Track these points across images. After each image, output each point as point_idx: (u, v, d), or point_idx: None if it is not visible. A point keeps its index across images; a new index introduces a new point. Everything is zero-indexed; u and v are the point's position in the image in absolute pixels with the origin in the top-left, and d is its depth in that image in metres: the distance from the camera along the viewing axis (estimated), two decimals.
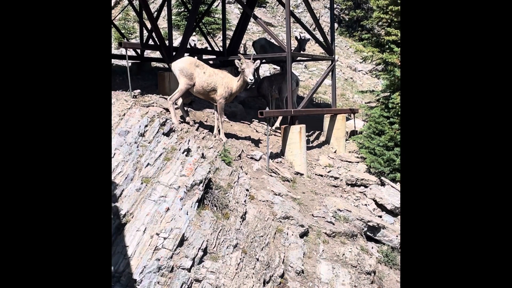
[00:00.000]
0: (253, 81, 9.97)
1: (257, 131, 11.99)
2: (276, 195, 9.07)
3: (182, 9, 23.05)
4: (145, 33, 14.75)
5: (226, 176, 8.67)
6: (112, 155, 7.92)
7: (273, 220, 8.33)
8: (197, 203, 7.43)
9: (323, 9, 30.87)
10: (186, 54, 13.40)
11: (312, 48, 23.98)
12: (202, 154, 8.66)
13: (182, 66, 10.11)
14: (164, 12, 17.49)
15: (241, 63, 10.01)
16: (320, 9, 30.62)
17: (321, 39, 12.86)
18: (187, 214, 7.15)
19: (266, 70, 18.96)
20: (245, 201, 8.27)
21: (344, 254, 8.34)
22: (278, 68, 19.11)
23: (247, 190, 8.67)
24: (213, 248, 7.07)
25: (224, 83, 10.31)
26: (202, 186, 7.70)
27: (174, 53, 12.07)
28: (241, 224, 7.77)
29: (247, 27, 14.69)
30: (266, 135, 11.72)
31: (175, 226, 6.90)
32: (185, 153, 8.35)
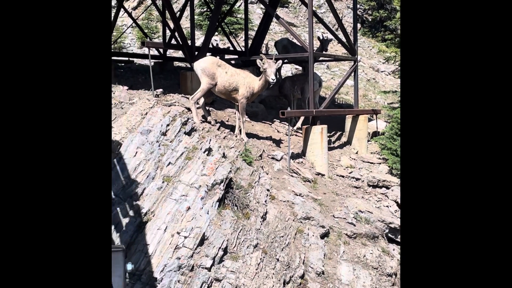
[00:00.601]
0: (274, 81, 9.95)
1: (278, 131, 11.96)
2: (297, 195, 9.04)
3: (205, 9, 23.10)
4: (168, 32, 14.83)
5: (247, 176, 8.66)
6: (134, 154, 7.97)
7: (293, 220, 8.30)
8: (217, 203, 7.44)
9: (346, 9, 30.70)
10: (208, 54, 13.44)
11: (335, 48, 23.87)
12: (223, 153, 8.66)
13: (204, 65, 10.13)
14: (187, 12, 17.57)
15: (263, 63, 10.00)
16: (343, 10, 30.46)
17: (343, 39, 12.78)
18: (207, 214, 7.17)
19: (288, 70, 18.91)
20: (265, 201, 8.26)
21: (365, 256, 8.29)
22: (300, 68, 19.08)
23: (268, 190, 8.66)
24: (234, 247, 7.07)
25: (246, 83, 10.30)
26: (223, 186, 7.70)
27: (196, 53, 12.10)
28: (261, 224, 7.76)
29: (269, 27, 14.69)
30: (287, 135, 11.69)
31: (195, 225, 6.92)
32: (206, 152, 8.37)
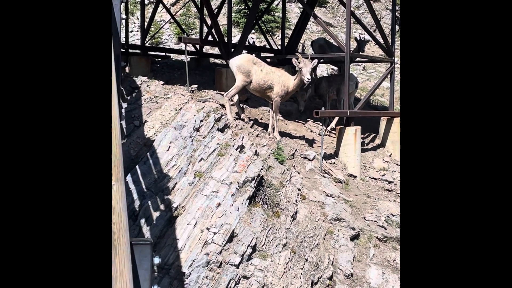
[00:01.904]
0: (309, 80, 9.90)
1: (311, 131, 11.90)
2: (328, 196, 8.98)
3: (243, 7, 23.15)
4: (205, 29, 14.90)
5: (279, 175, 8.64)
6: (167, 149, 8.03)
7: (323, 221, 8.25)
8: (248, 200, 7.44)
9: (384, 10, 30.38)
10: (244, 52, 13.46)
11: (371, 50, 23.65)
12: (256, 151, 8.66)
13: (240, 63, 10.13)
14: (224, 9, 17.61)
15: (299, 62, 9.96)
16: (382, 11, 30.15)
17: (381, 40, 12.64)
18: (237, 211, 7.17)
19: (324, 70, 18.80)
20: (296, 200, 8.23)
21: (395, 260, 8.18)
22: (336, 68, 18.94)
23: (299, 189, 8.62)
24: (262, 246, 7.06)
25: (281, 81, 10.27)
26: (254, 183, 7.69)
27: (232, 50, 12.12)
28: (291, 223, 7.73)
29: (306, 26, 14.62)
30: (320, 135, 11.62)
31: (225, 222, 6.93)
32: (239, 149, 8.37)
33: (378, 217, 9.06)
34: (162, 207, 7.15)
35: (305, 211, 8.15)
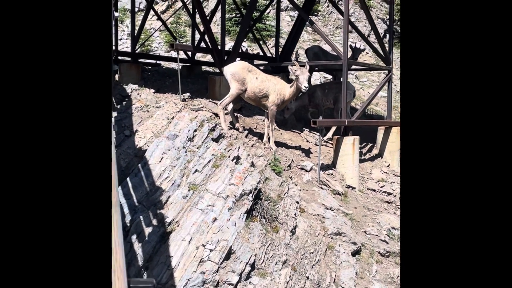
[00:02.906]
0: (307, 88, 9.55)
1: (307, 141, 11.54)
2: (328, 209, 8.60)
3: (233, 15, 22.81)
4: (197, 36, 14.53)
5: (276, 187, 8.26)
6: (159, 160, 7.63)
7: (324, 235, 7.87)
8: (245, 214, 7.04)
9: (376, 19, 30.19)
10: (237, 59, 13.11)
11: (363, 58, 23.36)
12: (252, 162, 8.28)
13: (234, 70, 9.76)
14: (215, 18, 17.26)
15: (295, 70, 9.61)
16: (374, 19, 29.98)
17: (378, 48, 12.33)
18: (235, 226, 6.77)
19: (317, 78, 18.47)
20: (295, 214, 7.84)
21: (398, 276, 7.80)
22: (329, 77, 18.60)
23: (297, 202, 8.24)
24: (261, 263, 6.66)
25: (276, 89, 9.92)
26: (252, 197, 7.30)
27: (225, 57, 11.76)
28: (290, 238, 7.34)
29: (301, 33, 14.28)
30: (317, 145, 11.27)
31: (222, 238, 6.53)
32: (235, 160, 7.98)
33: (379, 230, 8.70)
34: (154, 222, 6.74)
35: (304, 225, 7.77)
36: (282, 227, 7.38)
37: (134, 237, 6.52)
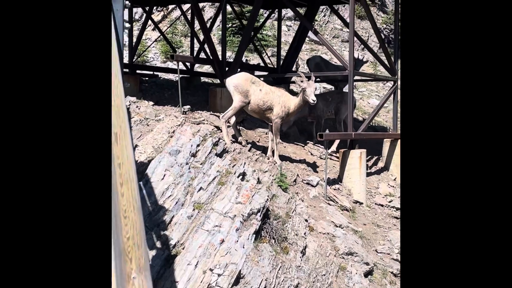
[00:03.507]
0: (315, 102, 9.19)
1: (312, 154, 11.18)
2: (337, 227, 8.23)
3: (229, 25, 22.49)
4: (196, 46, 14.18)
5: (284, 204, 7.88)
6: (162, 177, 7.24)
7: (335, 256, 7.49)
8: (254, 235, 6.66)
9: (371, 29, 29.97)
10: (238, 70, 12.78)
11: (361, 68, 23.08)
12: (258, 178, 7.91)
13: (237, 82, 9.39)
14: (212, 28, 16.93)
15: (301, 82, 9.26)
16: (369, 29, 29.72)
17: (384, 59, 12.02)
18: (243, 248, 6.38)
19: (318, 88, 18.14)
20: (305, 233, 7.46)
21: None
22: (329, 87, 18.26)
23: (306, 220, 7.87)
24: None
25: (281, 102, 9.57)
26: (260, 216, 6.92)
27: (227, 68, 11.41)
28: (301, 259, 6.95)
29: (303, 43, 13.95)
30: (322, 159, 10.91)
31: (230, 261, 6.13)
32: (240, 177, 7.61)
33: (390, 249, 8.33)
34: (158, 244, 6.34)
35: (314, 245, 7.38)
36: (292, 248, 7.00)
37: None
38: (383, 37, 27.43)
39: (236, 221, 6.63)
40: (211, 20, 14.79)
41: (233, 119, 9.69)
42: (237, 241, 6.40)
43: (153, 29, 22.99)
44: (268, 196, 7.38)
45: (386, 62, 11.81)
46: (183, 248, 6.29)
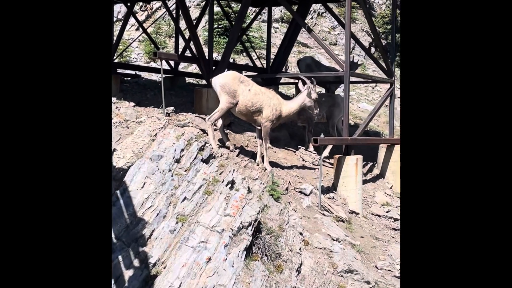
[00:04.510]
0: (318, 115, 8.62)
1: (304, 160, 10.47)
2: (334, 240, 7.53)
3: (216, 26, 21.73)
4: (181, 44, 13.44)
5: (276, 216, 7.17)
6: (142, 185, 6.50)
7: (333, 273, 6.78)
8: (244, 252, 5.92)
9: (360, 31, 29.47)
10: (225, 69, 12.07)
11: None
12: (248, 187, 7.19)
13: (224, 81, 8.64)
14: (199, 27, 16.19)
15: (306, 88, 8.67)
16: (357, 32, 29.20)
17: (380, 60, 11.37)
18: (233, 267, 5.65)
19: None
20: (300, 249, 6.75)
21: None
22: (320, 89, 17.57)
23: (301, 233, 7.16)
24: None
25: (272, 104, 8.86)
26: (251, 230, 6.19)
27: (213, 68, 10.67)
28: (297, 279, 6.24)
29: (294, 43, 13.24)
30: (315, 164, 10.22)
31: (218, 283, 5.41)
32: (229, 185, 6.88)
33: (391, 265, 7.65)
34: (136, 262, 5.58)
35: (310, 262, 6.68)
36: (286, 266, 6.28)
37: (111, 282, 5.36)
38: (370, 40, 26.95)
39: (224, 236, 5.89)
40: (196, 20, 13.96)
41: (220, 122, 8.96)
42: (226, 259, 5.67)
43: (137, 29, 22.25)
44: (259, 207, 6.65)
45: (383, 64, 11.14)
46: (164, 267, 5.54)
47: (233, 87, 8.60)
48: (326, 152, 10.91)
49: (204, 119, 9.31)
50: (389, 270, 7.52)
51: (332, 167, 10.03)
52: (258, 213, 6.44)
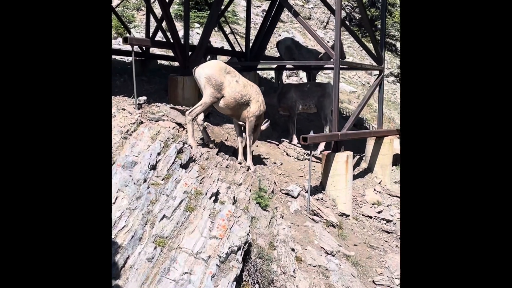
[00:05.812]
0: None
1: (288, 154, 9.68)
2: (328, 254, 6.80)
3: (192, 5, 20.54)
4: (152, 25, 12.41)
5: (265, 229, 6.41)
6: (113, 200, 5.63)
7: None
8: (234, 283, 5.13)
9: (333, 5, 28.58)
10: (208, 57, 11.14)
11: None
12: (234, 197, 6.39)
13: (210, 72, 7.68)
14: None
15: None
16: (329, 12, 28.29)
17: (370, 46, 10.57)
18: None
19: (284, 77, 16.38)
20: (294, 270, 6.00)
21: None
22: (300, 75, 16.68)
23: (293, 250, 6.41)
24: None
25: (260, 100, 8.06)
26: (241, 255, 5.40)
27: (190, 53, 9.73)
28: None
29: (275, 26, 12.29)
30: (301, 160, 9.47)
31: None
32: (213, 198, 6.06)
33: (390, 279, 6.98)
34: None
35: (306, 285, 5.94)
36: None
37: None
38: (344, 14, 26.08)
39: (211, 265, 5.09)
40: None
41: (201, 117, 8.10)
42: None
43: None
44: (248, 226, 5.85)
45: (373, 51, 10.34)
46: None
47: (219, 79, 7.69)
48: (318, 152, 10.09)
49: (181, 111, 8.42)
50: (388, 286, 6.84)
51: (320, 162, 9.27)
52: (248, 234, 5.63)
